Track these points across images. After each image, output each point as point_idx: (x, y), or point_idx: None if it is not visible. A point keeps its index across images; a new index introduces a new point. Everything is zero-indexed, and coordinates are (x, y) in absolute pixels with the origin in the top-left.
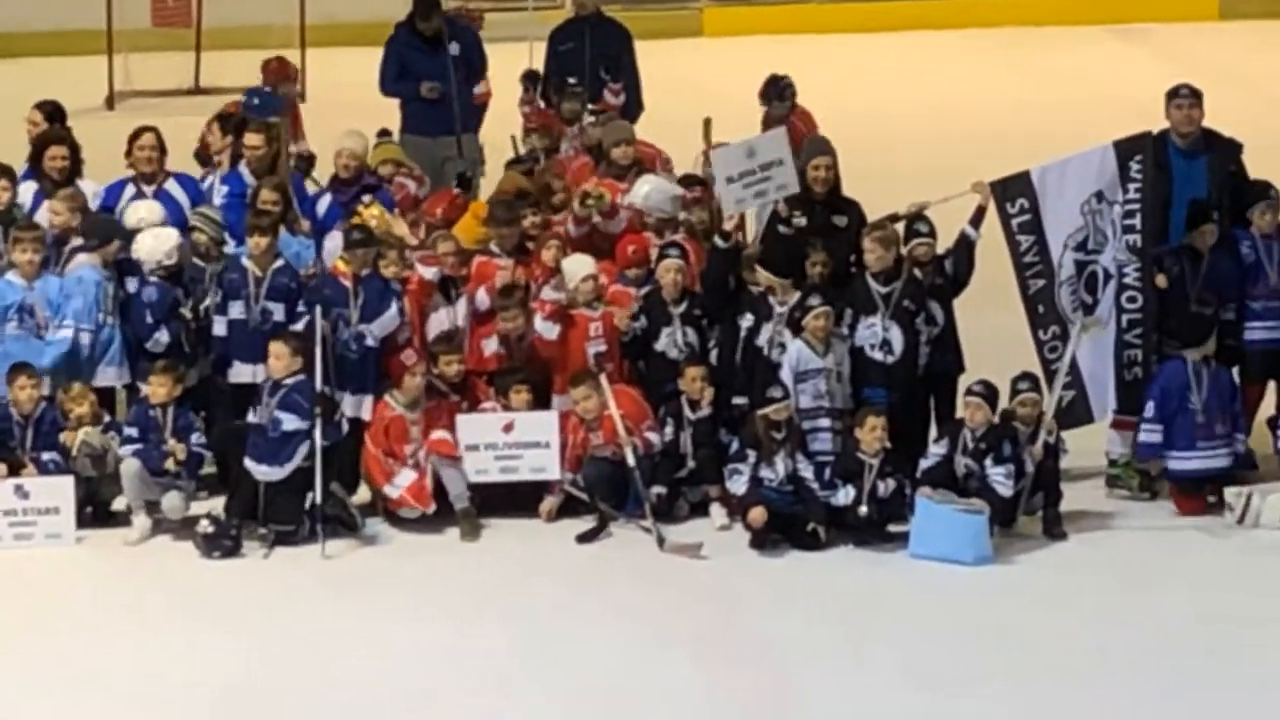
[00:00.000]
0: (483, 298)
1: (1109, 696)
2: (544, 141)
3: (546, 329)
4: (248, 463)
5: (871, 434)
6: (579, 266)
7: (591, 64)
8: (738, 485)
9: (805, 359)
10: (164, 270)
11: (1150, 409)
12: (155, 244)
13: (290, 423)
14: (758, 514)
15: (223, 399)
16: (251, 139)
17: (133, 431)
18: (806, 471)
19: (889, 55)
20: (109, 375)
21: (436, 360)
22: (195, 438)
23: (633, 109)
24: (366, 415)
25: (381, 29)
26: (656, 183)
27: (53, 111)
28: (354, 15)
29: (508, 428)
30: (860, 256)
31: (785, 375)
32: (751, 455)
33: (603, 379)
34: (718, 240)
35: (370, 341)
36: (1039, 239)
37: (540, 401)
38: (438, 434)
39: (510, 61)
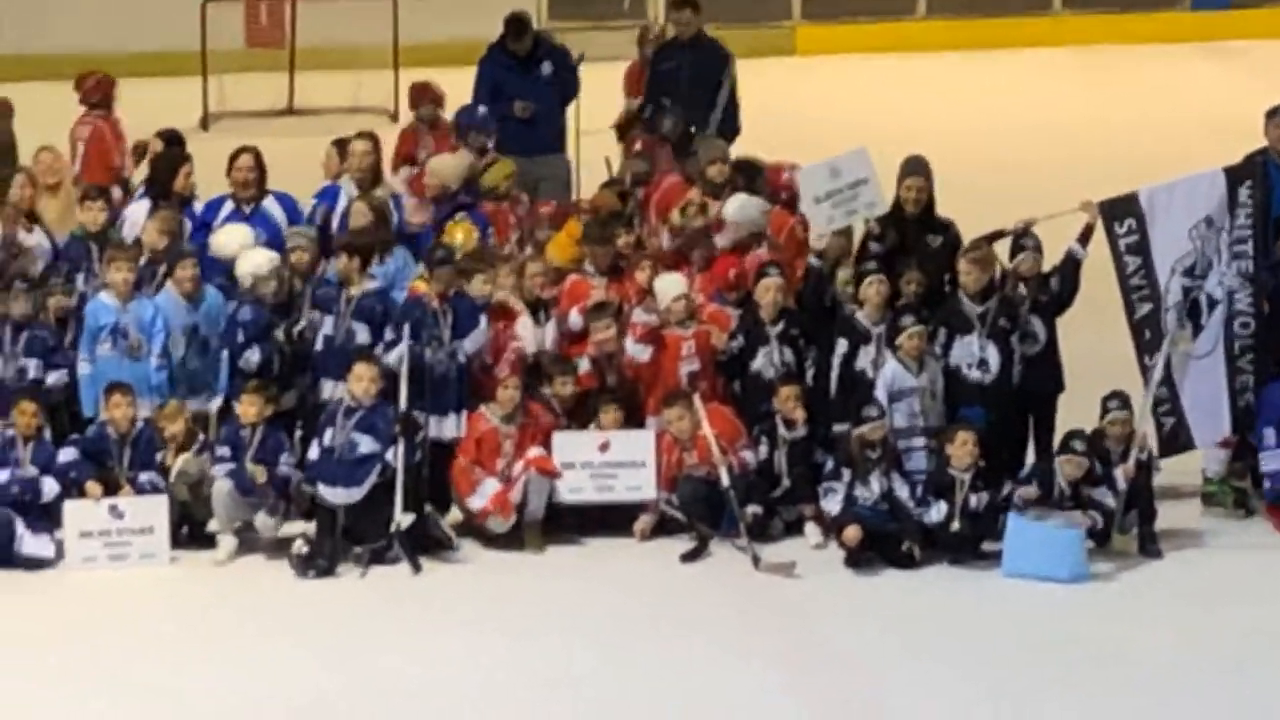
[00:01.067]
0: (575, 317)
1: (1203, 716)
2: (643, 166)
3: (638, 352)
4: (319, 488)
5: (962, 449)
6: (670, 286)
7: (690, 85)
8: (832, 504)
9: (899, 378)
10: (261, 290)
11: (1272, 437)
12: (248, 263)
13: (367, 445)
14: (852, 532)
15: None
16: (359, 145)
17: (224, 451)
18: (901, 490)
19: (986, 73)
20: (195, 403)
21: (551, 380)
22: (285, 458)
23: (730, 129)
24: (460, 432)
25: (473, 49)
26: (746, 197)
27: (171, 137)
28: (446, 35)
29: (604, 446)
30: (955, 276)
31: (880, 394)
32: (846, 474)
33: (696, 399)
34: (811, 259)
35: (462, 358)
36: (1146, 261)
37: (632, 422)
38: (536, 451)
39: (603, 81)
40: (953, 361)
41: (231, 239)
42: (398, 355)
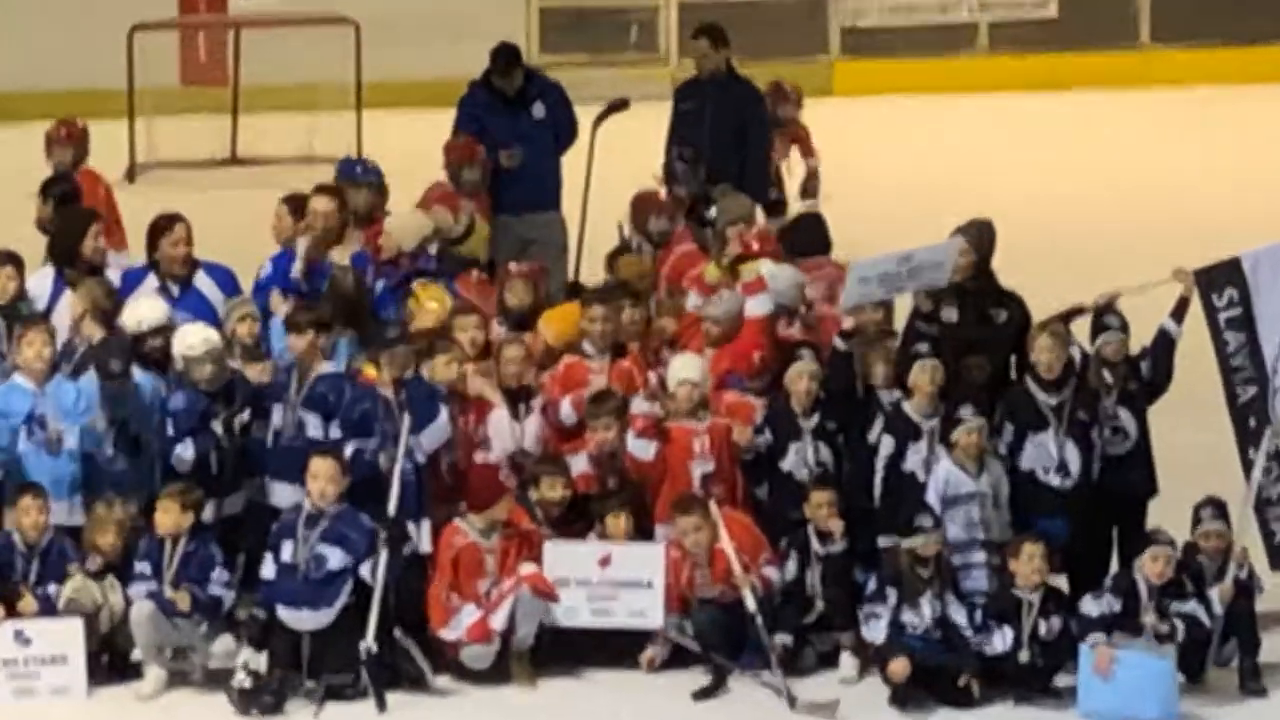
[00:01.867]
0: (567, 409)
1: None
2: (665, 226)
3: (640, 449)
4: (280, 611)
5: (1029, 565)
6: (681, 368)
7: (714, 129)
8: (875, 632)
9: (955, 481)
10: (195, 374)
11: None
12: (180, 342)
13: (337, 559)
14: (900, 666)
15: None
16: (320, 202)
17: (144, 567)
18: (957, 615)
19: (1060, 117)
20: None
21: (537, 483)
22: (217, 574)
23: (758, 183)
24: (423, 545)
25: (449, 88)
26: (780, 266)
27: (64, 192)
28: (417, 72)
29: (604, 561)
30: (1023, 360)
31: (933, 501)
32: (892, 595)
33: (712, 506)
34: (837, 341)
35: (420, 457)
36: (1250, 338)
37: (638, 531)
38: (529, 567)
39: (620, 129)
40: (1023, 464)
41: (150, 312)
42: (347, 456)
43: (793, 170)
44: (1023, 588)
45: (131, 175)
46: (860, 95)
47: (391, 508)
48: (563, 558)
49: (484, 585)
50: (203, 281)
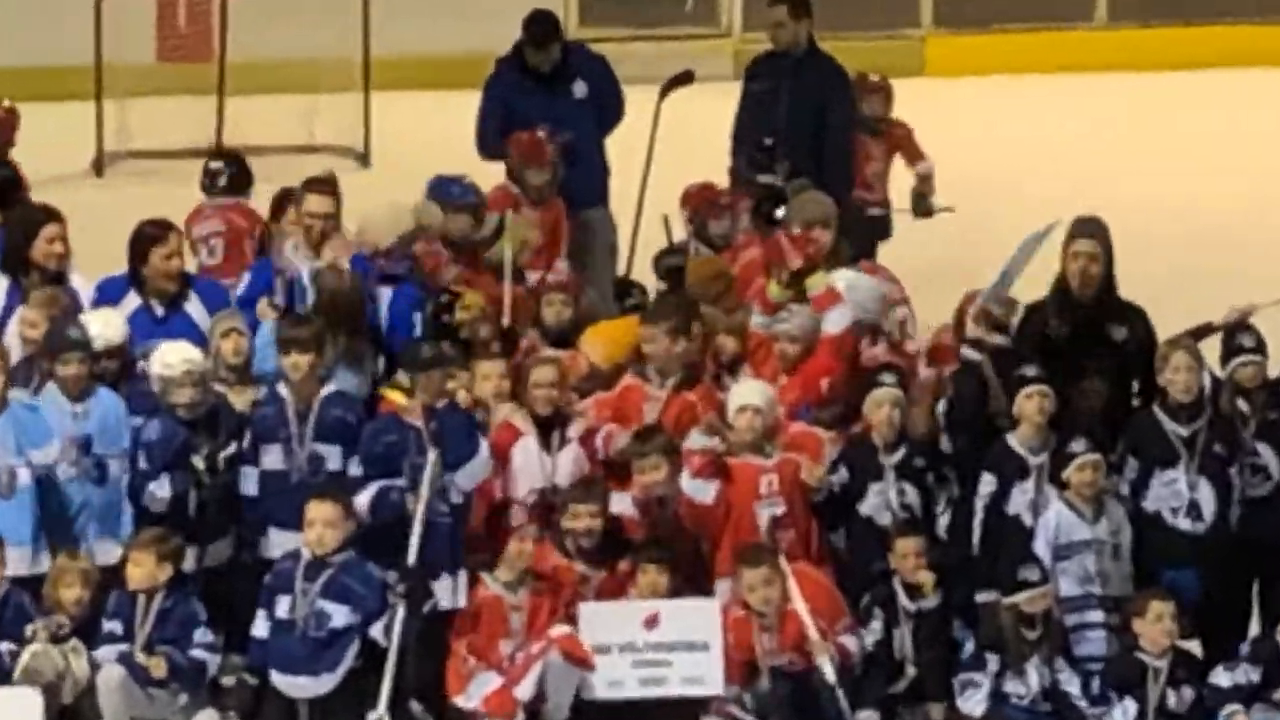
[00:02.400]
0: (621, 438)
1: None
2: (725, 228)
3: (697, 490)
4: (274, 676)
5: (1157, 626)
6: (743, 391)
7: (791, 113)
8: (974, 703)
9: (1068, 527)
10: (174, 399)
11: None
12: (157, 361)
13: (342, 617)
14: None
15: (254, 582)
16: (314, 202)
17: (114, 627)
18: (1070, 684)
19: (1190, 101)
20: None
21: (565, 510)
22: (200, 634)
23: (839, 178)
24: (459, 601)
25: (472, 66)
26: (857, 275)
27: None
28: (434, 47)
29: (651, 622)
30: (1147, 384)
31: (1041, 549)
32: (993, 661)
33: (782, 560)
34: (968, 352)
35: (457, 498)
36: None
37: (687, 589)
38: (561, 629)
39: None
40: (1149, 505)
41: (104, 328)
42: (369, 498)
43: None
44: (1148, 652)
45: (99, 167)
46: (956, 75)
47: (411, 556)
48: (602, 620)
49: (509, 647)
50: (194, 307)
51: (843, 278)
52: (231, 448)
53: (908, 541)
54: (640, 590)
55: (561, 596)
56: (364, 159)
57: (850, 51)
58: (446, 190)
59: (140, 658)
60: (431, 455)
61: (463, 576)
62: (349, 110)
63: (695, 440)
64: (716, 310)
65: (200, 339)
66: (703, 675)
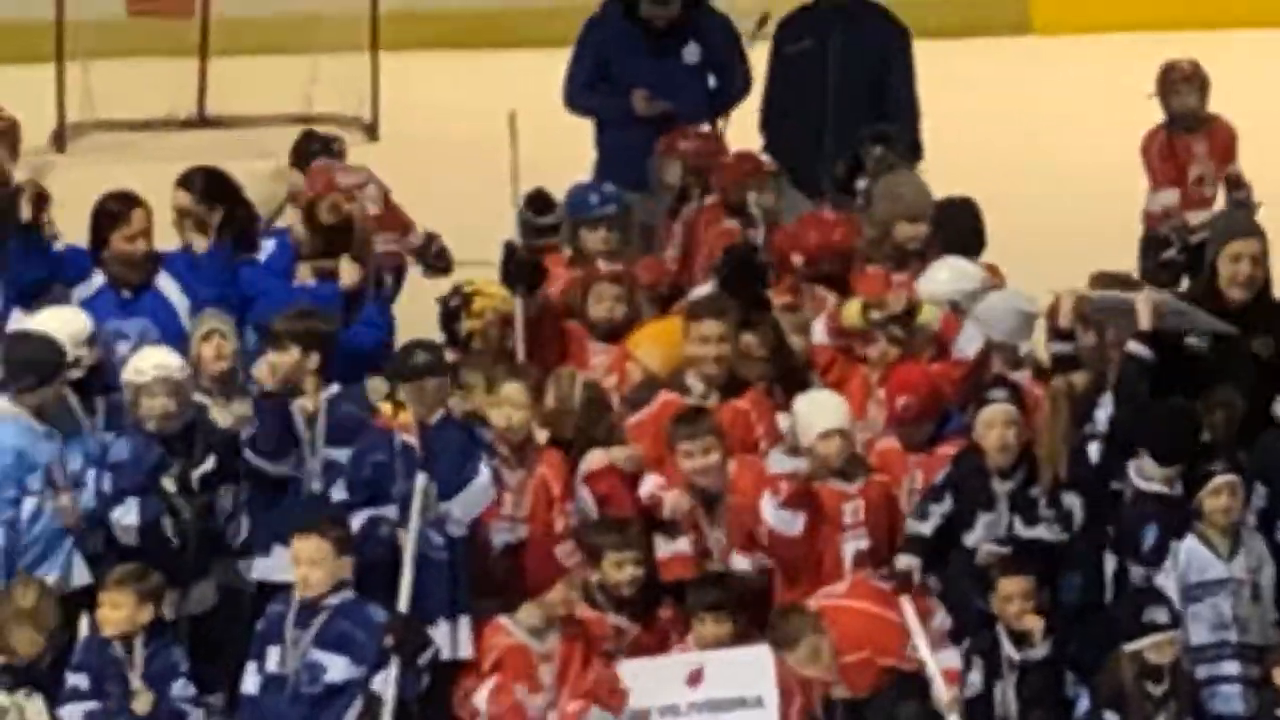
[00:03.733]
0: (651, 486)
1: None
2: (771, 200)
3: (784, 522)
4: None
5: None
6: (821, 411)
7: (838, 80)
8: None
9: (1200, 563)
10: (146, 411)
11: None
12: (128, 368)
13: (340, 670)
14: None
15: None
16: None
17: (79, 681)
18: None
19: None
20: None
21: (598, 558)
22: (180, 688)
23: (907, 145)
24: (462, 650)
25: (495, 22)
26: (990, 293)
27: None
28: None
29: (695, 678)
30: None
31: (1168, 588)
32: (1114, 718)
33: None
34: (1134, 346)
35: (455, 530)
36: None
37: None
38: (601, 674)
39: None
40: None
41: (63, 326)
42: (355, 531)
43: None
44: None
45: (61, 140)
46: (1067, 34)
47: (402, 601)
48: (640, 678)
49: (538, 702)
50: (167, 284)
51: (978, 303)
52: (208, 464)
53: (1015, 582)
54: (698, 642)
55: (595, 645)
56: (372, 130)
57: (948, 5)
58: (584, 202)
59: (137, 688)
60: (420, 480)
61: (466, 622)
62: (354, 74)
63: (780, 462)
64: (796, 313)
65: (173, 320)
66: None
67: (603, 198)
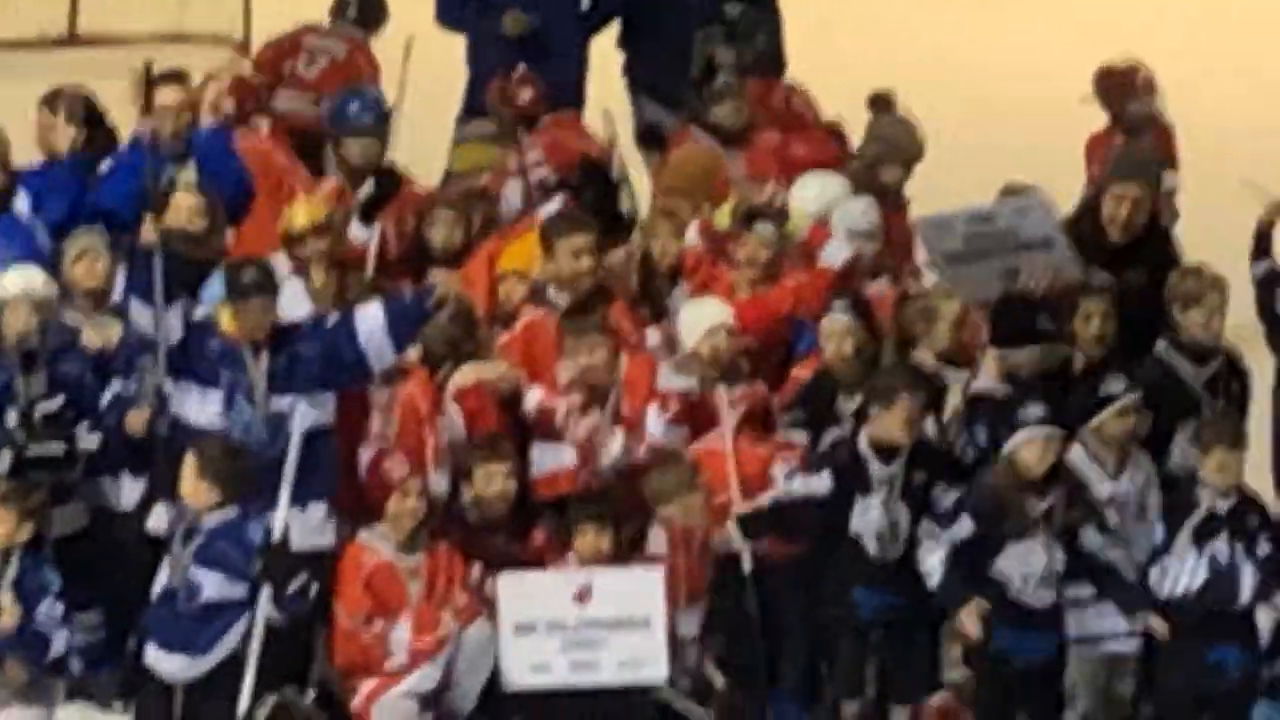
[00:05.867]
0: (535, 395)
1: None
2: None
3: (668, 435)
4: (149, 652)
5: None
6: (707, 312)
7: None
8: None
9: (1087, 479)
10: (8, 329)
11: None
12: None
13: (216, 587)
14: None
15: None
16: (168, 94)
17: None
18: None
19: None
20: None
21: (470, 474)
22: (47, 606)
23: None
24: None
25: None
26: (831, 182)
27: None
28: None
29: (583, 595)
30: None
31: None
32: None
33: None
34: None
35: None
36: None
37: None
38: (463, 597)
39: None
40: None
41: None
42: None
43: None
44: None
45: None
46: None
47: (278, 526)
48: (524, 593)
49: (405, 623)
50: (20, 203)
51: (823, 199)
52: (55, 403)
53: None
54: (578, 555)
55: (466, 562)
56: (244, 49)
57: None
58: (344, 112)
59: (4, 599)
60: (299, 415)
61: (318, 511)
62: None
63: (668, 378)
64: (669, 218)
65: (26, 240)
66: (643, 658)
67: (363, 106)
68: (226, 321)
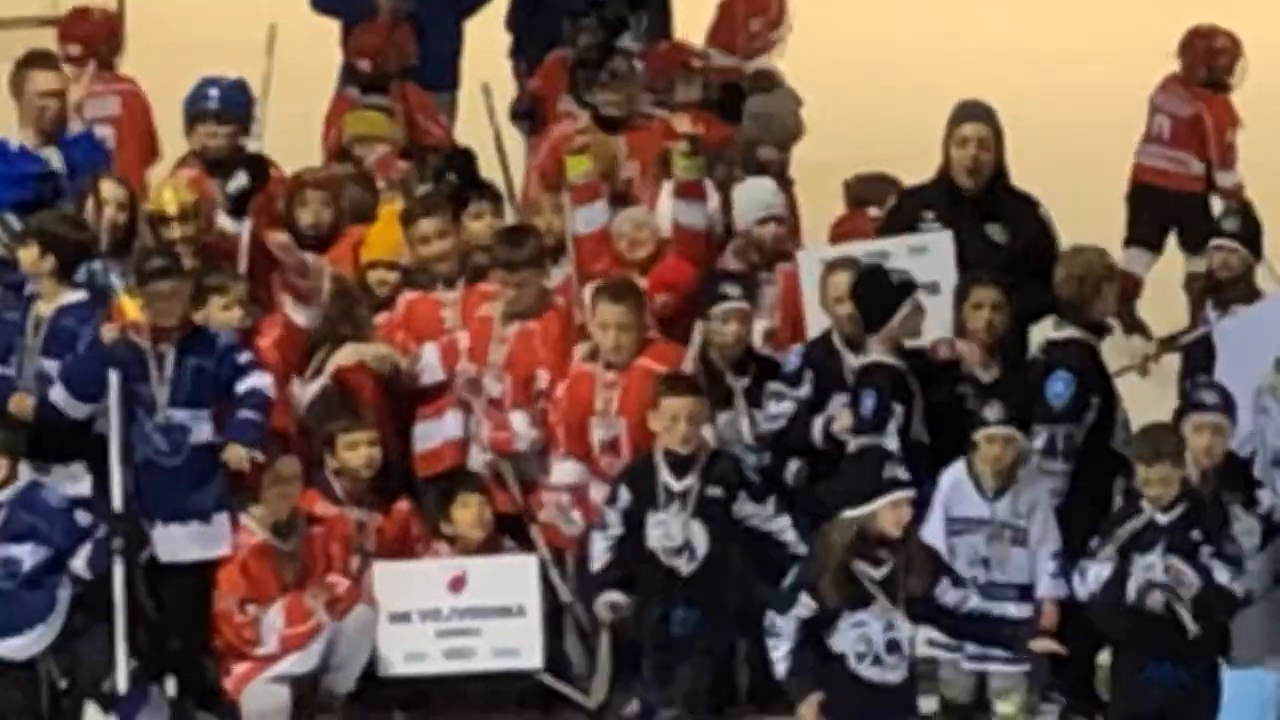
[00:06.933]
0: (431, 356)
1: None
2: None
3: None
4: None
5: None
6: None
7: None
8: None
9: (963, 498)
10: None
11: None
12: None
13: (30, 555)
14: None
15: None
16: (40, 78)
17: None
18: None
19: None
20: None
21: (333, 445)
22: None
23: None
24: (220, 549)
25: None
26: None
27: None
28: None
29: (457, 583)
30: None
31: (935, 515)
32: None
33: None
34: None
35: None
36: None
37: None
38: (339, 580)
39: None
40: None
41: None
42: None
43: None
44: None
45: None
46: None
47: (117, 496)
48: (399, 582)
49: (279, 608)
50: None
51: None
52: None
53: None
54: (459, 526)
55: (341, 544)
56: (119, 20)
57: None
58: (201, 99)
59: None
60: (114, 388)
61: (220, 522)
62: None
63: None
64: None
65: None
66: (518, 646)
67: (221, 92)
68: (133, 310)
